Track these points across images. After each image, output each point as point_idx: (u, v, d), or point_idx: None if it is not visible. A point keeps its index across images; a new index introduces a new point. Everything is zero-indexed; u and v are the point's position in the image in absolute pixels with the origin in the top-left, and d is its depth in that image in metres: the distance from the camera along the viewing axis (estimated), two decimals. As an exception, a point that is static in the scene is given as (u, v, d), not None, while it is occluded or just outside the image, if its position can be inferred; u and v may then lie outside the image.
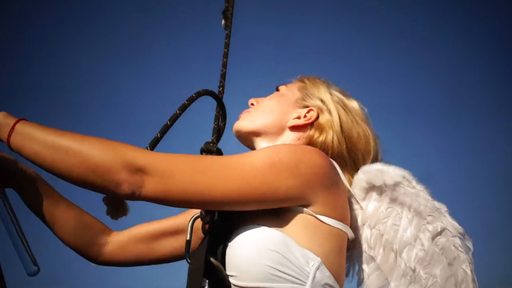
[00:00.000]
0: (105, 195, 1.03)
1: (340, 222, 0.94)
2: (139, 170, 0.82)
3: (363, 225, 1.06)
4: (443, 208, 0.96)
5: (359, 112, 1.17)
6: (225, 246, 0.93)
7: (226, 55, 1.29)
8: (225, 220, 0.99)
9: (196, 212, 1.04)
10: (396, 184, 1.01)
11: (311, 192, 0.90)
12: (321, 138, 1.11)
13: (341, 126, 1.12)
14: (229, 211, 0.99)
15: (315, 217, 0.91)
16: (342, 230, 0.94)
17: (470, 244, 0.92)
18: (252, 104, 1.23)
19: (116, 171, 0.81)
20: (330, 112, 1.14)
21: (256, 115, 1.18)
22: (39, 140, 0.85)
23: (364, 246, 1.05)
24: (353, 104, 1.18)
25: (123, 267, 1.25)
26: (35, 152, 0.85)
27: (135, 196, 0.82)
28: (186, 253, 0.99)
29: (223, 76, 1.26)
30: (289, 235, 0.89)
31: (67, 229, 1.17)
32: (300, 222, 0.91)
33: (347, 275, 1.06)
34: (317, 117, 1.14)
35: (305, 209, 0.91)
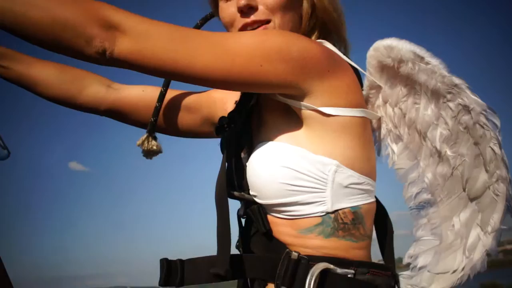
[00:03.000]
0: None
1: (352, 109, 0.89)
2: (112, 26, 0.76)
3: (385, 103, 1.03)
4: (462, 83, 0.87)
5: None
6: (244, 167, 0.96)
7: None
8: (241, 137, 0.98)
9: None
10: (408, 61, 0.92)
11: (306, 78, 0.85)
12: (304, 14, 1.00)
13: None
14: (245, 123, 1.00)
15: (319, 111, 0.87)
16: (356, 117, 0.90)
17: (496, 121, 0.85)
18: (251, 8, 0.93)
19: (88, 24, 0.74)
20: None
21: (277, 23, 0.95)
22: None
23: (390, 125, 1.04)
24: None
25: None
26: None
27: (106, 56, 0.77)
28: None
29: None
30: (300, 145, 0.89)
31: (52, 84, 1.13)
32: (308, 125, 0.90)
33: (378, 154, 1.08)
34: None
35: (307, 104, 0.87)
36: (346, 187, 0.88)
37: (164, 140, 1.22)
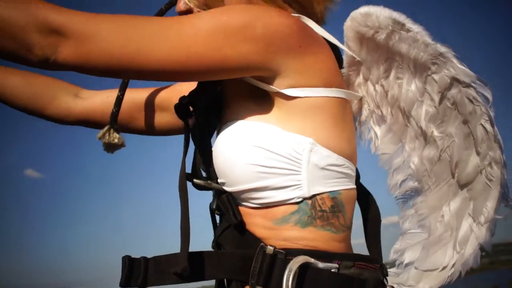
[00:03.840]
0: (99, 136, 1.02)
1: (326, 88, 0.78)
2: (53, 31, 0.69)
3: (366, 81, 0.93)
4: (448, 52, 0.77)
5: None
6: (210, 153, 0.85)
7: None
8: (205, 120, 0.88)
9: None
10: (386, 28, 0.81)
11: (273, 57, 0.74)
12: None
13: None
14: (210, 108, 0.89)
15: (287, 95, 0.76)
16: (332, 97, 0.79)
17: (487, 94, 0.75)
18: None
19: (26, 31, 0.68)
20: None
21: None
22: None
23: (372, 105, 0.93)
24: None
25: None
26: None
27: (49, 63, 0.70)
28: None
29: None
30: (271, 123, 0.78)
31: (19, 95, 1.06)
32: (277, 105, 0.79)
33: (360, 138, 0.97)
34: None
35: (272, 87, 0.77)
36: (323, 168, 0.76)
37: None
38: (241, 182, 0.77)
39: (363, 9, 0.84)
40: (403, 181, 0.91)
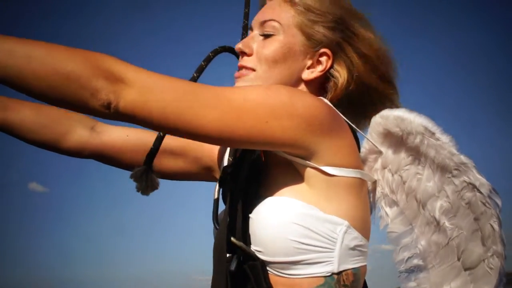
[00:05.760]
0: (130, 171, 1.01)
1: (355, 170, 0.92)
2: (118, 79, 0.74)
3: (384, 168, 1.06)
4: (470, 162, 0.92)
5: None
6: (247, 219, 0.93)
7: (247, 4, 1.13)
8: (246, 188, 0.97)
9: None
10: (417, 134, 0.97)
11: (311, 136, 0.87)
12: (339, 84, 1.03)
13: (359, 63, 1.03)
14: (250, 178, 0.98)
15: (323, 171, 0.89)
16: (359, 178, 0.93)
17: (498, 201, 0.90)
18: (244, 53, 1.02)
19: (92, 76, 0.73)
20: (344, 52, 1.03)
21: (260, 74, 0.99)
22: None
23: (386, 190, 1.07)
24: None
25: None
26: None
27: (111, 108, 0.75)
28: (213, 214, 1.00)
29: (245, 28, 1.10)
30: (311, 203, 0.89)
31: (30, 129, 1.06)
32: (313, 183, 0.90)
33: (370, 214, 1.10)
34: (332, 63, 1.02)
35: (310, 163, 0.89)
36: (351, 248, 0.90)
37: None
38: (279, 255, 0.87)
39: (397, 113, 0.98)
40: (409, 258, 1.06)
